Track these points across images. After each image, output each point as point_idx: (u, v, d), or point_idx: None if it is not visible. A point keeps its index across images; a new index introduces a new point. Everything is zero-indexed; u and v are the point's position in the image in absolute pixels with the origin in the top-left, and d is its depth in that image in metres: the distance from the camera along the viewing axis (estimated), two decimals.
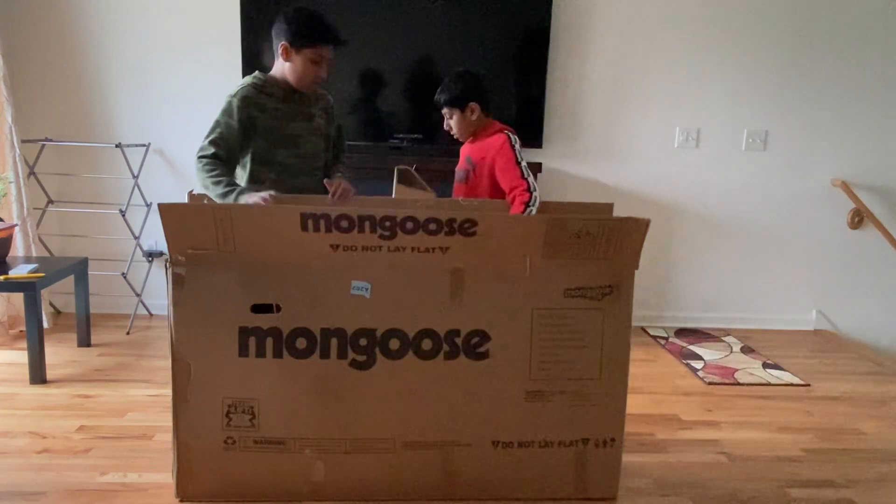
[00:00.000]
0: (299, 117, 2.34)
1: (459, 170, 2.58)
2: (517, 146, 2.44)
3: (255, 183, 2.29)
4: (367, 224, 1.79)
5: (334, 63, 2.32)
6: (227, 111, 2.23)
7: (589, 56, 3.66)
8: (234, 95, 2.24)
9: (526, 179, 2.35)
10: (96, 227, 3.67)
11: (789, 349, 3.57)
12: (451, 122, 2.51)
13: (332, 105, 2.51)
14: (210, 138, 2.22)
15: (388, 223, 1.79)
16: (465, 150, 2.59)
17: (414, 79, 3.54)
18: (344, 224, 1.79)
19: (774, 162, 3.80)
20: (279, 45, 2.25)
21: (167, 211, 1.78)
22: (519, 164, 2.39)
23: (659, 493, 2.09)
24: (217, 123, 2.23)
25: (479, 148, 2.50)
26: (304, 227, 1.79)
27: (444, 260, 1.83)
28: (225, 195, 2.12)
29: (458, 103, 2.47)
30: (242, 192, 2.12)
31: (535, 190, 2.33)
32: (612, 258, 1.87)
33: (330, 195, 2.23)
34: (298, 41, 2.22)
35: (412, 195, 2.45)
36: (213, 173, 2.16)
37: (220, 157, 2.21)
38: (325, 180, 2.28)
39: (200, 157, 2.20)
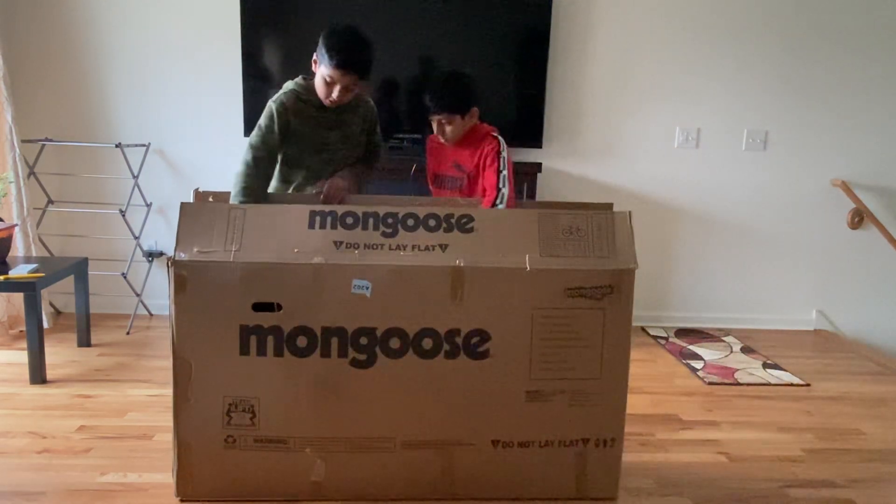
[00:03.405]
0: (334, 125, 2.34)
1: (450, 177, 2.50)
2: (504, 153, 2.38)
3: (284, 183, 2.35)
4: (370, 220, 1.88)
5: (352, 89, 2.23)
6: (268, 116, 2.25)
7: (589, 56, 3.66)
8: (275, 101, 2.26)
9: (501, 190, 2.32)
10: (96, 227, 3.67)
11: (789, 349, 3.57)
12: (449, 127, 2.39)
13: (374, 112, 2.51)
14: (252, 142, 2.24)
15: (390, 219, 1.88)
16: (448, 154, 2.49)
17: (414, 79, 3.54)
18: (349, 220, 1.87)
19: (774, 162, 3.80)
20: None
21: (187, 209, 1.85)
22: (500, 172, 2.34)
23: (659, 493, 2.09)
24: (259, 128, 2.25)
25: (471, 154, 2.42)
26: (311, 225, 1.85)
27: (444, 258, 1.84)
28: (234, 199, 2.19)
29: (462, 109, 2.36)
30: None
31: (501, 201, 2.30)
32: (608, 255, 1.87)
33: (322, 198, 2.25)
34: (318, 55, 2.21)
35: None
36: (240, 185, 2.19)
37: (260, 159, 2.22)
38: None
39: (244, 162, 2.22)
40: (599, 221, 1.91)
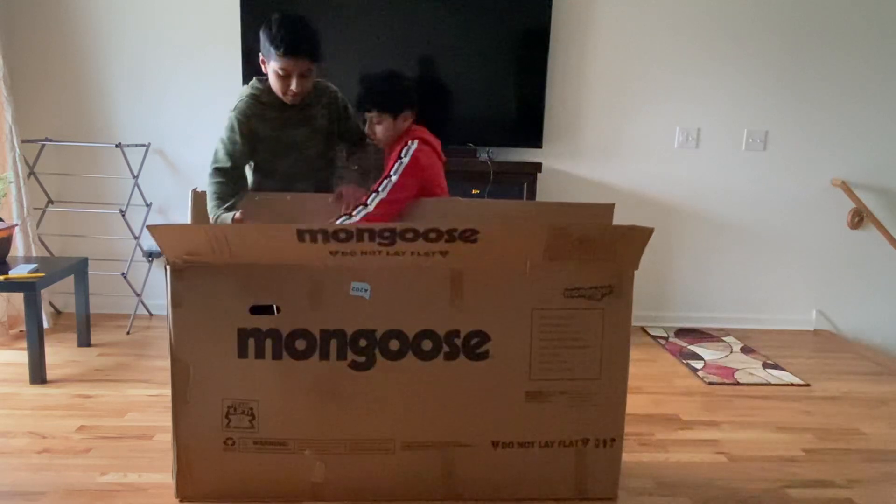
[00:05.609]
0: (300, 123, 2.26)
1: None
2: (406, 157, 2.14)
3: (257, 192, 2.29)
4: (365, 235, 1.74)
5: (308, 76, 2.13)
6: (229, 128, 2.19)
7: (589, 56, 3.66)
8: (234, 110, 2.19)
9: (372, 196, 2.12)
10: (96, 227, 3.67)
11: (789, 349, 3.57)
12: (379, 126, 2.21)
13: (338, 96, 2.36)
14: (215, 157, 2.20)
15: (387, 234, 1.74)
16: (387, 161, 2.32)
17: (413, 79, 3.54)
18: (342, 236, 1.74)
19: (774, 162, 3.80)
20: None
21: (159, 232, 1.72)
22: (389, 175, 2.13)
23: (659, 493, 2.09)
24: (221, 142, 2.20)
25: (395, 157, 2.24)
26: (301, 240, 1.74)
27: (444, 262, 1.83)
28: (211, 212, 2.16)
29: (393, 109, 2.19)
30: (219, 216, 2.12)
31: (360, 212, 2.14)
32: (611, 259, 1.87)
33: (343, 209, 2.17)
34: (264, 53, 2.12)
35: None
36: (212, 195, 2.16)
37: (226, 170, 2.18)
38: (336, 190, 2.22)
39: (209, 178, 2.19)
40: (613, 234, 1.84)
